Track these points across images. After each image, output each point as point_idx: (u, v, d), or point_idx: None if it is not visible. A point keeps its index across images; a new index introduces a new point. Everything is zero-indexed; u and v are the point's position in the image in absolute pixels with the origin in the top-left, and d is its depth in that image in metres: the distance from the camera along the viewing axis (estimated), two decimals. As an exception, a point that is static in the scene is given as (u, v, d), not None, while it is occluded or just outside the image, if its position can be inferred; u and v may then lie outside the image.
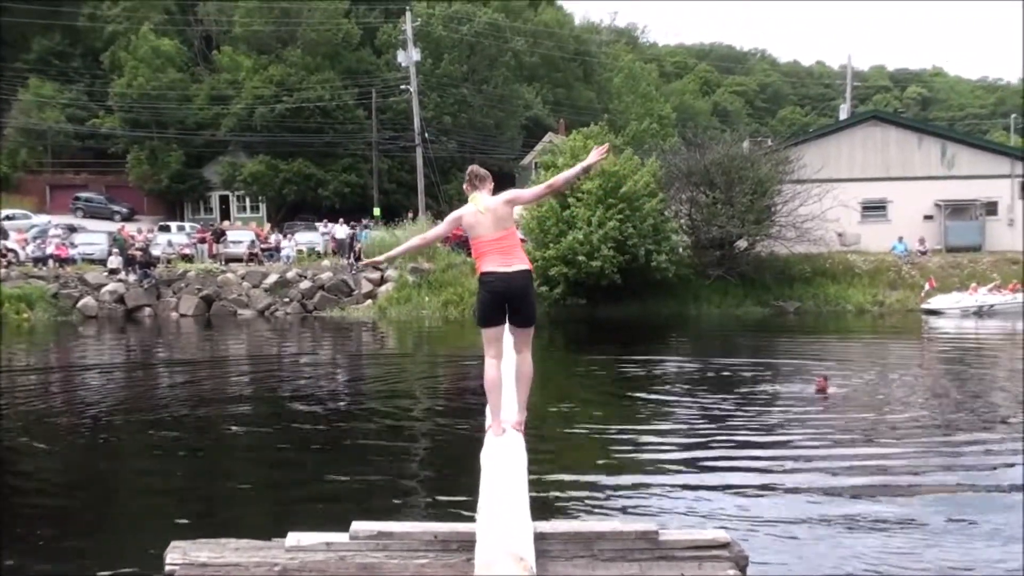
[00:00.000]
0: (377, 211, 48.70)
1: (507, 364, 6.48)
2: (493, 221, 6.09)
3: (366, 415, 14.03)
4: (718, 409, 13.67)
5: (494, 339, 6.24)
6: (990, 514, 8.25)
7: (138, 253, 35.62)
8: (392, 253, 7.10)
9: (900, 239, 37.45)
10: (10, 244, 37.80)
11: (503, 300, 6.10)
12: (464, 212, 6.22)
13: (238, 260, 38.91)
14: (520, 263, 6.14)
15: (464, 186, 6.40)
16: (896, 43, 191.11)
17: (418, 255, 35.71)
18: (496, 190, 6.44)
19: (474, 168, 6.44)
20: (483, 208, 6.10)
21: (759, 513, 8.36)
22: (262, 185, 54.57)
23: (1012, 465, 10.00)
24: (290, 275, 35.93)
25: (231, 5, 58.05)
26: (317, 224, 46.77)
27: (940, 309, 31.53)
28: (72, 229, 43.62)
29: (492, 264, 6.09)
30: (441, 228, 6.71)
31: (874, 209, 39.72)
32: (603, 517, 8.11)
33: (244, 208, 58.12)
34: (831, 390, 14.65)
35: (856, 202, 38.32)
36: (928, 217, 39.71)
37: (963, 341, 24.69)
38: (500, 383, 6.23)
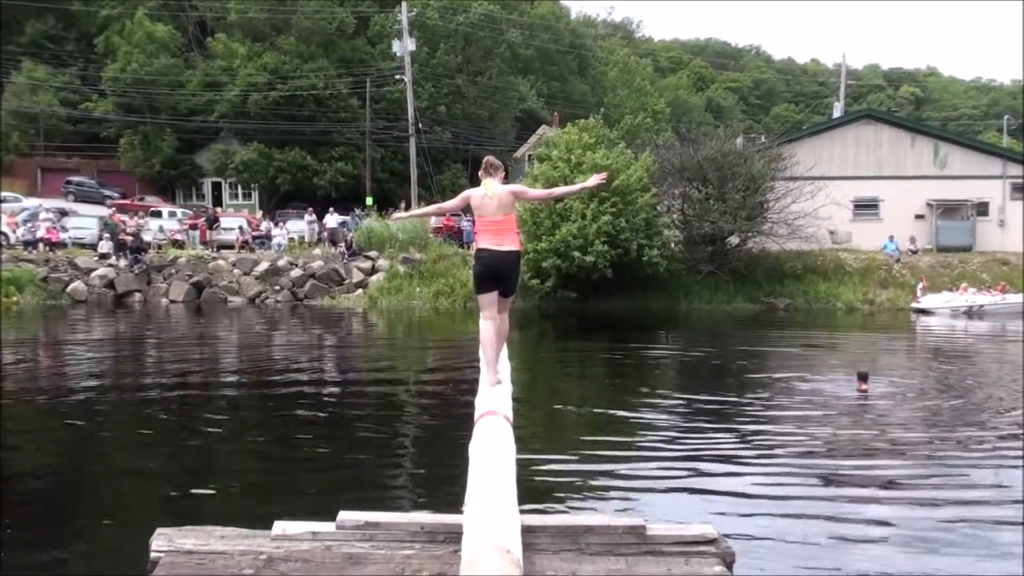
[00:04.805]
0: (370, 200, 48.63)
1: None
2: (497, 205, 7.03)
3: (354, 404, 14.03)
4: (708, 404, 13.69)
5: (488, 304, 7.21)
6: (989, 519, 8.23)
7: (129, 238, 35.51)
8: (414, 212, 8.72)
9: (891, 238, 37.55)
10: (0, 227, 37.60)
11: (494, 272, 7.08)
12: (474, 193, 7.17)
13: (229, 247, 38.83)
14: (511, 244, 7.09)
15: (479, 172, 7.29)
16: (891, 42, 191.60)
17: (409, 246, 35.80)
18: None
19: (489, 158, 7.36)
20: (491, 193, 7.04)
21: (747, 509, 8.38)
22: (254, 173, 54.41)
23: (1015, 467, 9.98)
24: (281, 263, 35.88)
25: (226, -8, 57.87)
26: (303, 213, 46.58)
27: (930, 308, 31.66)
28: (63, 213, 43.43)
29: (487, 242, 7.06)
30: (455, 202, 7.60)
31: (866, 207, 39.82)
32: (591, 511, 8.11)
33: (236, 195, 57.94)
34: (866, 387, 14.43)
35: (848, 200, 38.43)
36: (919, 216, 39.79)
37: (967, 342, 24.77)
38: (494, 339, 7.17)
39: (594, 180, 7.93)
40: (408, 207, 43.38)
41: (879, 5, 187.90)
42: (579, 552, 4.85)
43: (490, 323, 7.22)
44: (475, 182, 7.48)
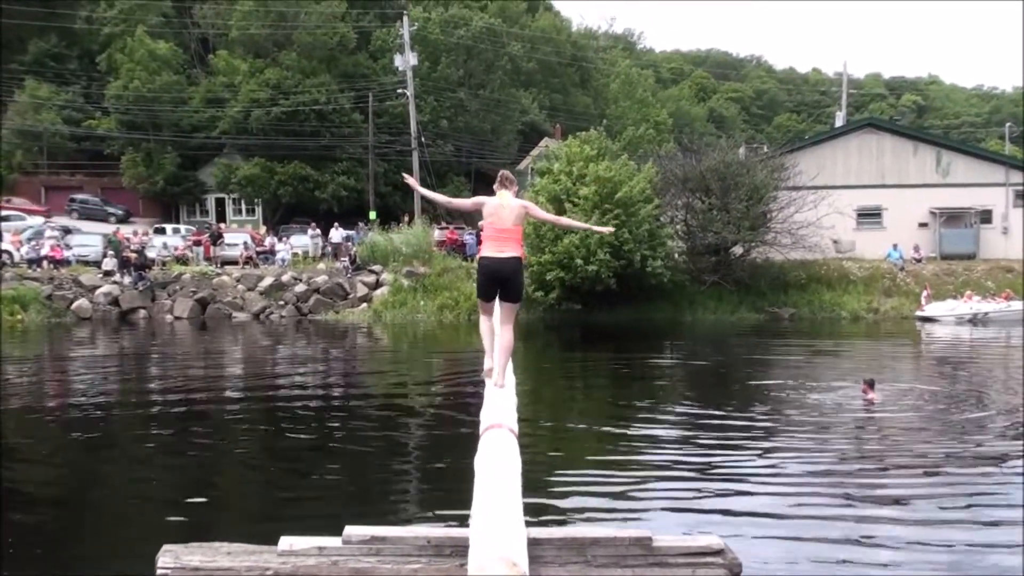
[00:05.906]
0: (373, 214, 48.65)
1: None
2: (507, 216, 7.39)
3: (360, 418, 14.01)
4: (713, 414, 13.65)
5: (489, 309, 7.68)
6: (992, 525, 8.19)
7: (133, 255, 35.55)
8: (425, 192, 8.61)
9: (895, 246, 37.49)
10: (4, 245, 37.66)
11: (496, 279, 7.40)
12: (489, 200, 7.54)
13: (233, 263, 38.86)
14: (512, 252, 7.38)
15: (495, 185, 7.68)
16: (892, 51, 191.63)
17: (413, 259, 35.81)
18: (489, 193, 7.81)
19: (505, 172, 7.80)
20: (505, 204, 7.42)
21: (755, 520, 8.34)
22: (257, 188, 54.49)
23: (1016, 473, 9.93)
24: (285, 278, 35.91)
25: (227, 8, 57.99)
26: (307, 228, 46.61)
27: (935, 317, 31.61)
28: (67, 231, 43.49)
29: (489, 250, 7.40)
30: (467, 202, 8.06)
31: (869, 216, 39.81)
32: (597, 522, 8.09)
33: (240, 211, 58.03)
34: (873, 395, 14.32)
35: (851, 209, 38.43)
36: (923, 225, 39.79)
37: (973, 350, 24.69)
38: (492, 331, 7.58)
39: (602, 229, 9.60)
40: (411, 221, 43.43)
41: (880, 14, 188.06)
42: (586, 564, 4.84)
43: (487, 317, 7.70)
44: (477, 195, 7.70)
